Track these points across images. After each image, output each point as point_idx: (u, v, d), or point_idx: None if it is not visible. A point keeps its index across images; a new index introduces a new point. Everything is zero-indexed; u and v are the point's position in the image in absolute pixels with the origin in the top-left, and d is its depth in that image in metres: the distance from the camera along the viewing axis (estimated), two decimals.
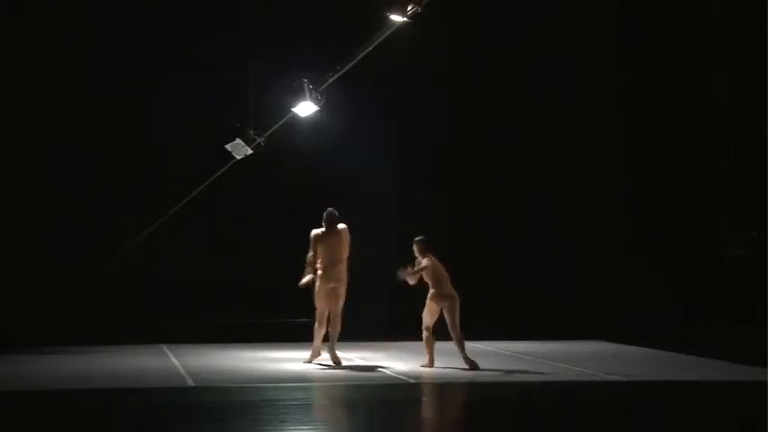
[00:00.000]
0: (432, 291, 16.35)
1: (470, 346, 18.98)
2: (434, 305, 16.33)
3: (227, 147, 19.06)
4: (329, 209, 16.76)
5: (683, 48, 22.53)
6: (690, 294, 21.52)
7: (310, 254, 16.55)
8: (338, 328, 16.49)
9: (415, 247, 16.56)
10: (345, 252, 16.59)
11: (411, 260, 16.86)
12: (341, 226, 16.65)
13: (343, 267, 16.55)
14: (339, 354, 16.54)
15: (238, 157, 19.18)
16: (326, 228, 16.60)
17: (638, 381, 15.35)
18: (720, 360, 16.99)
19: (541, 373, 15.91)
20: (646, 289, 21.74)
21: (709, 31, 22.47)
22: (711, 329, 19.96)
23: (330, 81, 18.24)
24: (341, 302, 16.51)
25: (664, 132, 22.68)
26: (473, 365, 16.18)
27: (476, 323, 20.11)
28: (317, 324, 16.53)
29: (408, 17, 16.84)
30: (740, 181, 22.27)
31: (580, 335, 20.19)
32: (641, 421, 12.44)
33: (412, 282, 16.41)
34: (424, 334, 16.36)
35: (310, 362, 16.60)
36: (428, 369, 16.23)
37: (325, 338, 16.55)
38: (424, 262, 16.36)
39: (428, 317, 16.37)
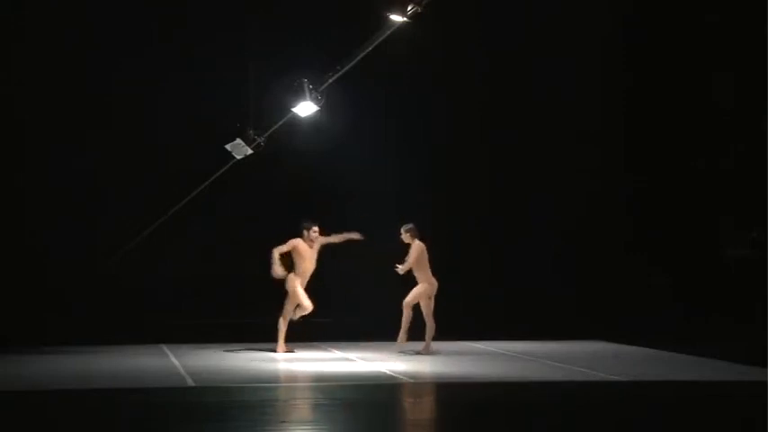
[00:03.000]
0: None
1: (471, 345, 19.03)
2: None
3: (227, 147, 19.06)
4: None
5: (682, 48, 22.53)
6: (690, 294, 21.51)
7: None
8: None
9: (407, 235, 17.49)
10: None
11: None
12: None
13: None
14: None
15: (238, 157, 19.18)
16: None
17: (638, 381, 15.34)
18: (720, 360, 16.96)
19: (541, 373, 15.90)
20: (646, 289, 21.73)
21: (709, 32, 22.47)
22: (711, 329, 19.94)
23: (330, 81, 18.23)
24: None
25: (664, 132, 22.67)
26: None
27: (476, 323, 20.16)
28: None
29: (408, 17, 16.83)
30: (740, 181, 22.26)
31: (580, 335, 20.18)
32: (641, 421, 12.43)
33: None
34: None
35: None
36: (428, 368, 16.33)
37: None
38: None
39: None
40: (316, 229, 17.90)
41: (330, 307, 20.37)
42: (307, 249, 17.87)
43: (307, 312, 17.80)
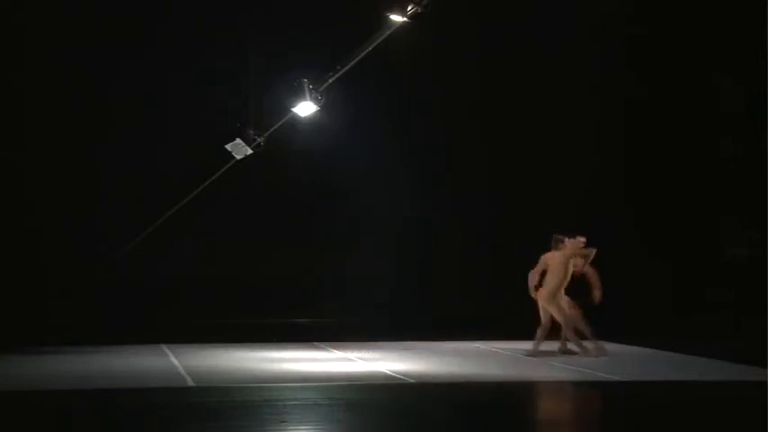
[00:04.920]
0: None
1: (470, 345, 19.02)
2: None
3: (227, 147, 19.07)
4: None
5: (684, 48, 22.53)
6: (690, 294, 21.49)
7: None
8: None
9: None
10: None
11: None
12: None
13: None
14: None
15: (238, 157, 19.19)
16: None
17: (638, 381, 15.35)
18: (720, 360, 16.98)
19: (541, 373, 15.90)
20: (646, 288, 21.72)
21: (710, 32, 22.46)
22: (711, 329, 19.95)
23: (330, 81, 18.23)
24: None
25: (664, 133, 22.66)
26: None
27: (476, 323, 20.16)
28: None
29: (408, 17, 16.82)
30: (740, 181, 22.26)
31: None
32: (641, 421, 12.44)
33: None
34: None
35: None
36: (427, 368, 16.34)
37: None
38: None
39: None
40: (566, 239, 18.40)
41: (330, 307, 20.42)
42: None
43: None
